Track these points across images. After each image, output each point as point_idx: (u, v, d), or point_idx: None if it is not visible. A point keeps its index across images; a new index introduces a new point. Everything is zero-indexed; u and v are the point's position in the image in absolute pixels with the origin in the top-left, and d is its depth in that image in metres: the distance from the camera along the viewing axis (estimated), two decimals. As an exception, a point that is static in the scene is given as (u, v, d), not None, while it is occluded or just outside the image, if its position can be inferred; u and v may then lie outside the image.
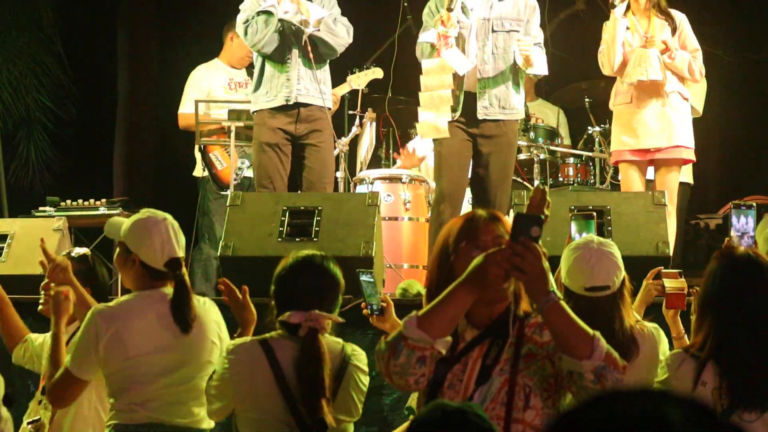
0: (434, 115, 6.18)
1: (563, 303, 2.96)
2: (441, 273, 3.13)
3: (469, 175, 6.50)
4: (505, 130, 6.39)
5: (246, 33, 6.68)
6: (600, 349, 2.95)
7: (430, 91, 6.18)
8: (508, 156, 6.46)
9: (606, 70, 6.78)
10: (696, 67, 6.69)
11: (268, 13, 6.62)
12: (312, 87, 6.70)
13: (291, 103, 6.64)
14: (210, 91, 8.17)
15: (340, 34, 6.73)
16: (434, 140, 6.48)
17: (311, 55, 6.62)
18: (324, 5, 6.74)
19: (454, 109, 6.25)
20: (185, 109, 8.15)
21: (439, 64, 6.18)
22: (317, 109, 6.72)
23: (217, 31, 8.60)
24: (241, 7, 6.85)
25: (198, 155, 8.07)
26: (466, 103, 6.31)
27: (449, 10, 6.20)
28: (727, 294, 3.62)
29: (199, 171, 8.19)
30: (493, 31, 6.35)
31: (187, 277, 4.23)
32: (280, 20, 6.60)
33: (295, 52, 6.68)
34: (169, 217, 4.33)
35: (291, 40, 6.66)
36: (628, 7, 6.69)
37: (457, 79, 6.26)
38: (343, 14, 6.86)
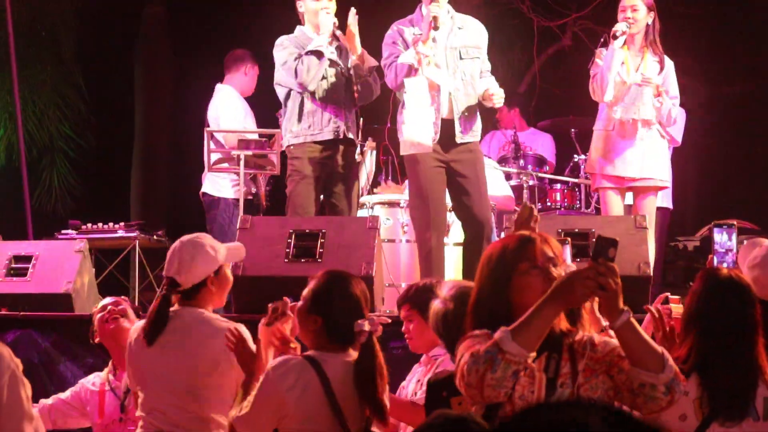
0: (418, 132, 6.09)
1: (634, 320, 2.97)
2: (498, 292, 3.11)
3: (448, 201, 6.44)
4: (472, 149, 6.32)
5: (296, 71, 6.51)
6: (671, 363, 3.00)
7: (414, 108, 6.06)
8: (481, 171, 6.34)
9: (596, 97, 6.71)
10: (673, 114, 6.70)
11: (318, 53, 6.57)
12: (353, 125, 6.74)
13: (340, 137, 6.64)
14: (245, 114, 7.92)
15: (378, 84, 6.79)
16: (409, 169, 6.35)
17: (356, 96, 6.68)
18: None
19: (435, 131, 6.15)
20: (230, 124, 7.76)
21: (423, 81, 6.08)
22: (352, 144, 6.77)
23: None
24: (278, 43, 6.72)
25: (237, 175, 7.35)
26: (441, 129, 6.21)
27: (435, 28, 6.12)
28: (711, 311, 3.62)
29: (225, 192, 7.76)
30: (461, 58, 6.28)
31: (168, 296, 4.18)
32: (329, 59, 6.59)
33: (343, 91, 6.68)
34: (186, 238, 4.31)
35: (340, 79, 6.66)
36: (624, 42, 6.64)
37: (437, 100, 6.16)
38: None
